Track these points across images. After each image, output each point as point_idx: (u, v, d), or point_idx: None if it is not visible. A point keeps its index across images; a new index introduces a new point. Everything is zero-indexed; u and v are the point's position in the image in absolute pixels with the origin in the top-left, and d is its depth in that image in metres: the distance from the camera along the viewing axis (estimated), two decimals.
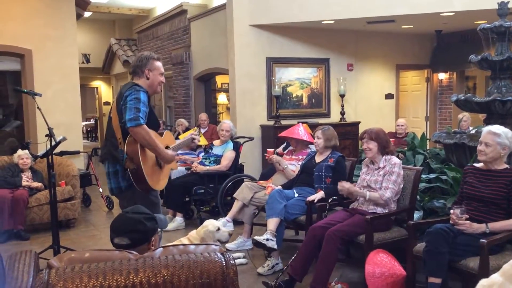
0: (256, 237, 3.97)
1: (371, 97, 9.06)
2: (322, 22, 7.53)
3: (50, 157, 4.25)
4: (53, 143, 4.30)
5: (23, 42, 6.63)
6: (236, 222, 4.97)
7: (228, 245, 4.76)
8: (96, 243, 5.31)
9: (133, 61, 3.40)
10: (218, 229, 3.97)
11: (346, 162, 4.43)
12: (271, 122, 7.86)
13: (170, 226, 5.58)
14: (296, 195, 4.28)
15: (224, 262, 1.68)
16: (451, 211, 3.13)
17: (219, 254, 1.71)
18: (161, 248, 1.83)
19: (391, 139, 7.17)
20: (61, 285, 1.51)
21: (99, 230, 5.85)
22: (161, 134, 3.39)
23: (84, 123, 21.55)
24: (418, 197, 4.11)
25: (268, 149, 5.10)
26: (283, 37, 8.04)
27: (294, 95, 8.35)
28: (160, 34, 11.08)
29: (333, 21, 7.48)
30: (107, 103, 16.35)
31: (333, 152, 4.39)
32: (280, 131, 5.78)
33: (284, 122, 7.69)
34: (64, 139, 4.52)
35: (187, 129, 8.14)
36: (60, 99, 6.87)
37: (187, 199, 5.80)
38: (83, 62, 14.65)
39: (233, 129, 5.97)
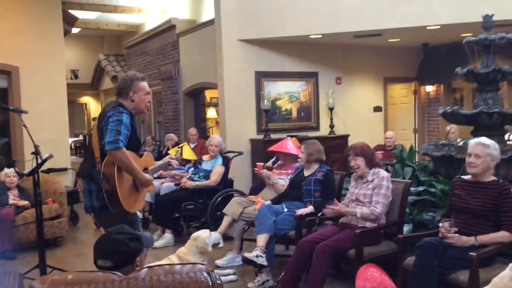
0: (245, 254, 3.94)
1: (360, 110, 9.10)
2: (310, 36, 7.58)
3: (36, 175, 4.18)
4: (39, 161, 4.22)
5: (10, 59, 6.58)
6: (226, 237, 4.92)
7: (218, 262, 4.72)
8: (84, 262, 5.22)
9: (118, 81, 3.39)
10: (210, 234, 4.22)
11: (335, 176, 4.43)
12: (261, 136, 7.87)
13: (159, 243, 5.52)
14: (286, 210, 4.25)
15: (210, 282, 1.65)
16: (440, 224, 3.13)
17: (205, 274, 1.68)
18: (146, 269, 1.79)
19: (379, 152, 7.24)
20: None
21: (88, 248, 5.75)
22: (140, 155, 3.36)
23: (72, 139, 21.40)
24: (407, 210, 4.11)
25: (257, 163, 5.08)
26: (272, 51, 8.07)
27: (283, 109, 8.37)
28: (148, 50, 11.09)
29: (320, 35, 7.54)
30: (95, 119, 16.28)
31: (321, 166, 4.39)
32: (270, 145, 5.77)
33: (273, 136, 7.70)
34: (50, 156, 4.47)
35: (176, 144, 8.11)
36: (47, 115, 6.81)
37: (176, 215, 5.74)
38: (71, 78, 14.63)
39: (222, 144, 5.95)
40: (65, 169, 6.88)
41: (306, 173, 4.42)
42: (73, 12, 10.52)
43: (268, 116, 7.89)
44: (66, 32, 7.42)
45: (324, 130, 8.56)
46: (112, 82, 13.08)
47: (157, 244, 5.52)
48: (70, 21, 7.28)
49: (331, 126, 8.39)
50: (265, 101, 7.80)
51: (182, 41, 9.62)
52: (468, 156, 3.18)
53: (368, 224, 3.69)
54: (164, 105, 10.24)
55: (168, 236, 5.57)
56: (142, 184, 3.23)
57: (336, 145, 8.09)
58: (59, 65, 6.95)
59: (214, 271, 1.91)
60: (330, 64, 8.62)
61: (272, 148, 5.18)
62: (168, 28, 9.90)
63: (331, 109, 8.36)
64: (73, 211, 6.99)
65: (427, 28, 7.01)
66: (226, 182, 5.88)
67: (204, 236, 4.21)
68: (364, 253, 3.53)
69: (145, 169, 3.31)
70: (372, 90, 9.30)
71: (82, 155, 3.43)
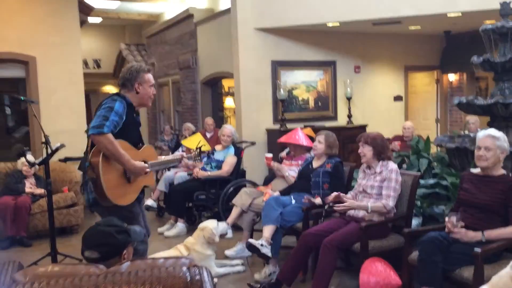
0: (250, 240, 3.93)
1: (379, 100, 8.93)
2: (327, 24, 7.45)
3: (46, 164, 4.24)
4: (49, 151, 4.28)
5: (27, 49, 6.69)
6: (237, 228, 4.92)
7: (227, 252, 4.73)
8: None
9: (122, 72, 3.26)
10: (217, 224, 4.26)
11: (345, 167, 4.35)
12: (277, 126, 7.80)
13: (172, 232, 5.56)
14: (293, 201, 4.21)
15: (189, 278, 1.63)
16: (446, 218, 3.04)
17: (184, 269, 1.66)
18: (129, 262, 1.78)
19: (397, 142, 7.11)
20: None
21: None
22: (139, 148, 3.25)
23: None
24: (418, 203, 4.02)
25: (266, 155, 5.04)
26: (289, 40, 7.97)
27: (300, 99, 8.27)
28: (168, 39, 11.11)
29: (338, 23, 7.40)
30: None
31: (330, 157, 4.31)
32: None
33: (290, 126, 7.62)
34: (61, 146, 4.52)
35: (193, 133, 8.13)
36: (64, 105, 6.91)
37: (189, 204, 5.76)
38: (94, 68, 14.79)
39: (235, 134, 5.93)
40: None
41: (315, 164, 4.36)
42: (94, 2, 10.63)
43: (284, 105, 7.82)
44: (82, 22, 7.48)
45: (341, 120, 8.43)
46: None
47: (169, 233, 5.57)
48: (86, 11, 7.32)
49: (349, 116, 8.26)
50: (281, 90, 7.72)
51: (200, 30, 9.60)
52: (478, 149, 3.07)
53: (375, 218, 3.62)
54: (183, 94, 10.26)
55: (180, 226, 5.60)
56: (132, 172, 3.07)
57: (353, 135, 7.85)
58: (75, 55, 7.02)
59: (200, 265, 1.89)
60: (349, 53, 8.47)
61: (282, 139, 5.12)
62: (186, 17, 9.89)
63: (349, 99, 8.24)
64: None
65: (448, 15, 6.80)
66: (238, 172, 5.87)
67: (212, 226, 4.22)
68: (370, 247, 3.47)
69: (144, 162, 3.19)
70: (392, 79, 9.11)
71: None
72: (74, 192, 5.95)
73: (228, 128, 5.88)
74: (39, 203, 5.65)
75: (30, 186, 5.77)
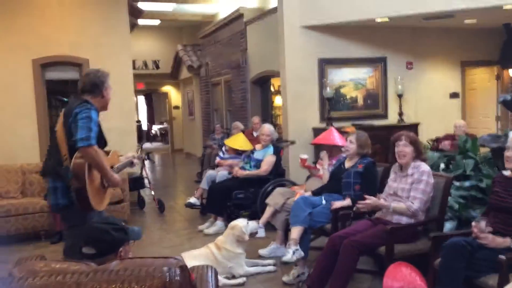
0: (284, 258, 3.93)
1: (433, 97, 8.57)
2: (376, 20, 7.26)
3: None
4: None
5: (80, 52, 7.02)
6: (271, 228, 4.93)
7: (261, 251, 4.74)
8: (139, 245, 5.46)
9: (89, 78, 3.30)
10: (247, 223, 4.29)
11: (379, 168, 4.23)
12: (324, 125, 7.71)
13: (211, 230, 5.65)
14: (324, 202, 4.15)
15: (167, 278, 1.66)
16: (473, 223, 2.88)
17: (165, 269, 1.69)
18: (118, 261, 1.84)
19: (447, 142, 6.79)
20: None
21: (146, 233, 6.04)
22: (107, 153, 3.34)
23: (158, 126, 22.48)
24: (456, 206, 3.84)
25: (301, 157, 4.99)
26: (336, 37, 7.84)
27: (348, 97, 8.11)
28: (220, 39, 11.28)
29: (387, 19, 7.19)
30: (176, 107, 16.92)
31: (363, 157, 4.21)
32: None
33: (336, 124, 7.49)
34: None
35: (242, 132, 8.20)
36: (114, 105, 7.07)
37: (228, 203, 5.83)
38: (153, 68, 15.30)
39: (274, 133, 5.92)
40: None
41: (347, 164, 4.28)
42: (148, 4, 11.01)
43: (331, 104, 7.71)
44: (133, 25, 7.74)
45: (392, 118, 8.19)
46: (188, 71, 13.50)
47: (209, 231, 5.66)
48: (136, 14, 7.59)
49: (400, 114, 8.01)
50: (328, 88, 7.62)
51: (250, 30, 9.67)
52: (507, 150, 2.89)
53: (404, 220, 3.49)
54: (233, 93, 10.38)
55: (219, 224, 5.67)
56: (111, 183, 3.22)
57: None
58: (125, 57, 7.29)
59: (189, 265, 1.92)
60: (400, 48, 8.20)
61: (318, 140, 5.05)
62: (236, 17, 10.00)
63: (400, 96, 7.99)
64: (140, 197, 7.37)
65: (504, 8, 6.41)
66: (277, 171, 5.86)
67: (242, 225, 4.25)
68: (397, 251, 3.35)
69: (111, 167, 3.29)
70: (447, 75, 8.72)
71: (46, 153, 3.54)
72: (120, 189, 6.18)
73: (267, 128, 5.89)
74: None
75: None
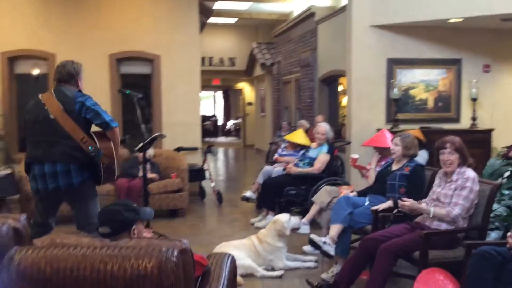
0: (313, 235, 3.94)
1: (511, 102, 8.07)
2: (449, 20, 6.97)
3: (144, 151, 4.69)
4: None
5: (153, 48, 7.43)
6: (318, 225, 4.94)
7: (305, 248, 4.77)
8: (193, 232, 5.73)
9: (65, 69, 3.66)
10: (289, 218, 4.35)
11: (427, 172, 4.10)
12: (389, 126, 7.53)
13: (261, 223, 5.76)
14: (367, 203, 4.10)
15: (163, 258, 1.78)
16: (509, 233, 2.74)
17: (163, 250, 1.81)
18: (129, 239, 2.00)
19: None
20: (20, 264, 1.78)
21: (201, 221, 6.30)
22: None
23: (233, 121, 23.00)
24: (505, 214, 3.65)
25: (352, 156, 4.95)
26: (407, 37, 7.62)
27: (417, 98, 7.85)
28: (292, 37, 11.35)
29: (460, 19, 6.88)
30: (250, 104, 17.23)
31: (411, 160, 4.10)
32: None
33: (403, 127, 7.31)
34: (160, 136, 4.96)
35: (307, 130, 8.23)
36: (182, 100, 7.52)
37: (280, 199, 5.91)
38: (229, 65, 15.71)
39: (329, 133, 5.91)
40: (195, 149, 7.53)
41: (394, 167, 4.19)
42: (225, 3, 11.33)
43: (398, 105, 7.51)
44: (203, 24, 8.03)
45: (465, 123, 7.81)
46: (261, 69, 13.71)
47: (259, 224, 5.78)
48: (206, 12, 7.86)
49: (473, 119, 7.62)
50: (395, 90, 7.43)
51: (320, 28, 9.65)
52: None
53: (443, 226, 3.38)
54: (302, 92, 10.42)
55: (270, 218, 5.74)
56: (118, 157, 3.66)
57: (475, 140, 7.33)
58: (194, 54, 7.59)
59: (222, 253, 2.03)
60: (476, 50, 7.79)
61: (369, 142, 4.98)
62: (308, 15, 10.01)
63: (474, 100, 7.61)
64: (201, 188, 7.65)
65: None
66: (331, 170, 5.84)
67: (283, 220, 4.31)
68: (432, 256, 3.25)
69: None
70: None
71: (38, 142, 3.68)
72: (181, 179, 6.46)
73: (322, 127, 5.89)
74: (149, 187, 6.25)
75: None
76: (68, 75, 3.66)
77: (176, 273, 1.79)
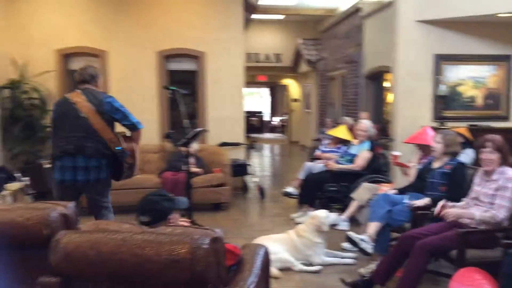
0: (350, 233, 3.96)
1: None
2: (497, 15, 6.75)
3: (187, 145, 4.86)
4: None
5: (199, 45, 7.61)
6: (356, 222, 4.95)
7: (344, 244, 4.79)
8: (235, 226, 5.86)
9: (87, 71, 3.98)
10: (328, 214, 4.41)
11: (469, 171, 4.03)
12: (435, 124, 7.39)
13: (302, 219, 5.80)
14: (406, 200, 4.08)
15: (195, 245, 1.89)
16: None
17: (195, 237, 1.92)
18: (165, 227, 2.13)
19: None
20: (66, 246, 1.94)
21: (243, 215, 6.42)
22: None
23: (279, 118, 23.06)
24: None
25: (393, 153, 4.91)
26: (455, 32, 7.43)
27: (465, 95, 7.66)
28: (338, 33, 11.28)
29: (510, 14, 6.65)
30: (295, 100, 17.23)
31: (452, 158, 4.04)
32: None
33: (450, 124, 7.16)
34: (202, 131, 5.11)
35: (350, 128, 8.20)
36: (226, 96, 7.67)
37: (321, 195, 5.94)
38: (275, 61, 15.76)
39: (371, 130, 5.88)
40: (238, 144, 7.66)
41: (435, 165, 4.14)
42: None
43: (445, 102, 7.36)
44: (248, 20, 8.13)
45: None
46: (306, 65, 13.69)
47: (300, 219, 5.83)
48: (250, 9, 7.95)
49: None
50: (442, 86, 7.28)
51: (366, 24, 9.55)
52: None
53: (482, 226, 3.33)
54: (347, 88, 10.36)
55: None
56: (137, 156, 4.00)
57: None
58: (238, 51, 7.71)
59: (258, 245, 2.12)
60: None
61: (411, 139, 4.93)
62: (354, 11, 9.93)
63: None
64: (244, 182, 7.78)
65: None
66: (372, 167, 5.81)
67: (321, 215, 4.36)
68: (469, 256, 3.21)
69: None
70: None
71: (73, 137, 3.84)
72: (224, 174, 6.61)
73: (364, 124, 5.87)
74: (194, 180, 6.41)
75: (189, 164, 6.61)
76: (90, 76, 3.99)
77: (207, 260, 1.89)
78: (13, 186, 5.69)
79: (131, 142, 3.92)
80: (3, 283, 2.14)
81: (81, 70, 4.06)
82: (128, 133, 4.01)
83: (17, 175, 5.91)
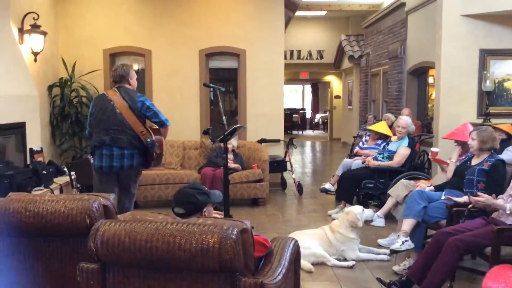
0: (392, 247, 3.95)
1: None
2: None
3: (225, 142, 4.96)
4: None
5: (239, 43, 7.72)
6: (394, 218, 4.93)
7: (380, 241, 4.81)
8: (272, 221, 5.94)
9: (117, 72, 4.32)
10: (362, 210, 4.45)
11: (508, 168, 3.94)
12: (481, 120, 7.20)
13: (338, 215, 5.80)
14: (443, 197, 4.04)
15: (224, 235, 1.98)
16: None
17: (225, 228, 2.02)
18: (196, 218, 2.24)
19: None
20: (104, 235, 2.08)
21: (280, 211, 6.49)
22: None
23: (321, 115, 22.94)
24: None
25: (432, 150, 4.85)
26: (501, 26, 7.21)
27: None
28: (382, 29, 11.13)
29: None
30: (337, 97, 17.11)
31: (491, 155, 3.97)
32: None
33: (495, 121, 6.96)
34: (241, 127, 5.20)
35: (391, 124, 8.11)
36: (265, 92, 7.75)
37: (358, 192, 5.92)
38: (317, 58, 15.70)
39: (410, 126, 5.81)
40: (277, 141, 7.73)
41: (474, 161, 4.07)
42: None
43: (492, 98, 7.16)
44: (289, 18, 8.16)
45: None
46: (349, 61, 13.58)
47: (336, 216, 5.83)
48: (292, 7, 7.98)
49: None
50: (488, 82, 7.08)
51: (411, 19, 9.39)
52: None
53: None
54: (390, 84, 10.21)
55: None
56: (163, 149, 4.43)
57: None
58: (278, 49, 7.76)
59: (289, 238, 2.20)
60: None
61: (450, 136, 4.85)
62: (398, 6, 9.78)
63: None
64: (283, 179, 7.85)
65: None
66: (411, 164, 5.75)
67: (356, 211, 4.38)
68: (505, 253, 3.17)
69: None
70: None
71: (108, 130, 4.15)
72: (262, 170, 6.69)
73: (403, 120, 5.80)
74: (231, 176, 6.55)
75: (228, 161, 6.73)
76: (119, 76, 4.36)
77: (235, 249, 1.99)
78: (61, 180, 5.99)
79: (159, 134, 4.32)
80: (46, 268, 2.31)
81: (113, 71, 4.45)
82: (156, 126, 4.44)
83: (65, 169, 6.21)
